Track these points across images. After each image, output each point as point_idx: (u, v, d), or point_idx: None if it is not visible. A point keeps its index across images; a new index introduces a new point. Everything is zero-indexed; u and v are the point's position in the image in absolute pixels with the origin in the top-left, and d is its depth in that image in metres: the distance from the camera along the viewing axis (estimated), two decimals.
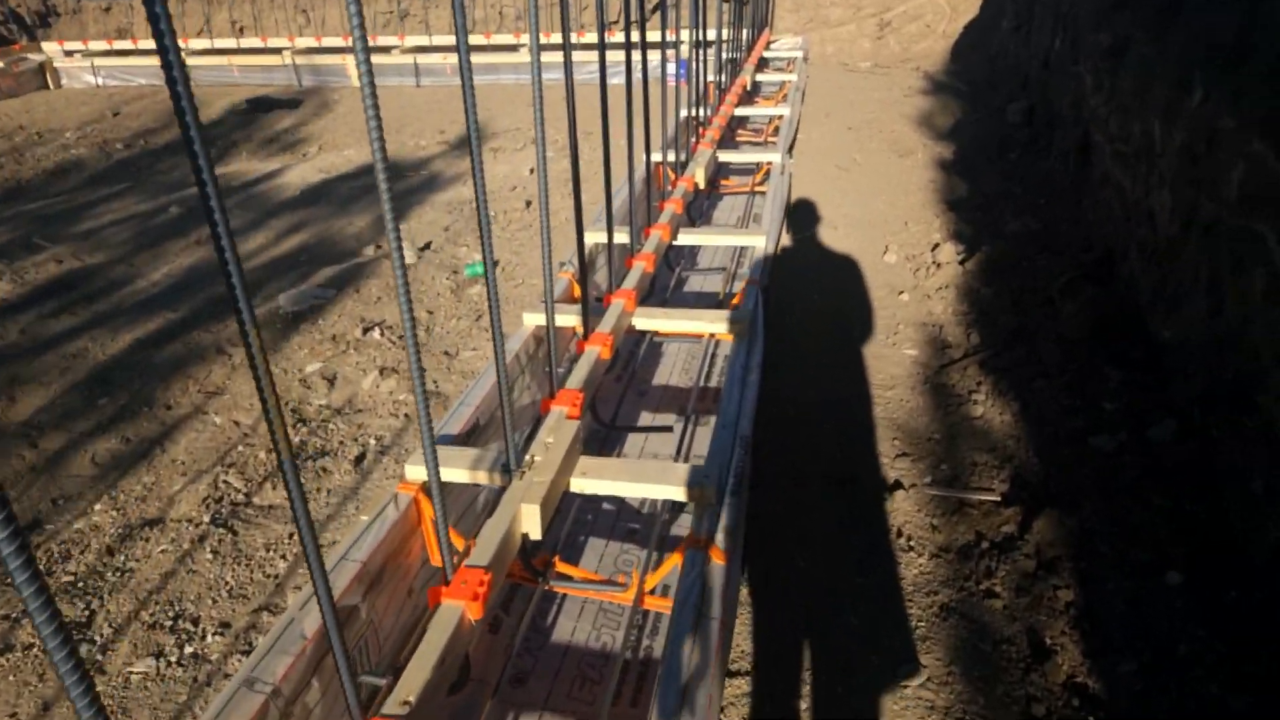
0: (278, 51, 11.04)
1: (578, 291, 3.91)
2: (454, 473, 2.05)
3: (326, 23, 12.25)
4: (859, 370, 3.86)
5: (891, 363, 3.90)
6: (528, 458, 2.00)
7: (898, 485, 3.06)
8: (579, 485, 2.10)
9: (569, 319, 3.28)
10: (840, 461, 3.29)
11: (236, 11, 12.48)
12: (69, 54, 11.68)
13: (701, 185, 4.71)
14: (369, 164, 8.29)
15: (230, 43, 11.55)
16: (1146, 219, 4.02)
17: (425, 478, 1.95)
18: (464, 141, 8.85)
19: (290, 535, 3.10)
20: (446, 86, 10.65)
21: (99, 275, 5.87)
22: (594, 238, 4.25)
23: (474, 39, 11.13)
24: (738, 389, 2.63)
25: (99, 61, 11.44)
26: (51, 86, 11.58)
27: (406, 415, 3.78)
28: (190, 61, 11.16)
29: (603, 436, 3.22)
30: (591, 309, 3.08)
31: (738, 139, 7.36)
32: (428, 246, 5.87)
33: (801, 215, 5.79)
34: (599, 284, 4.35)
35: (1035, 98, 7.48)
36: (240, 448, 3.69)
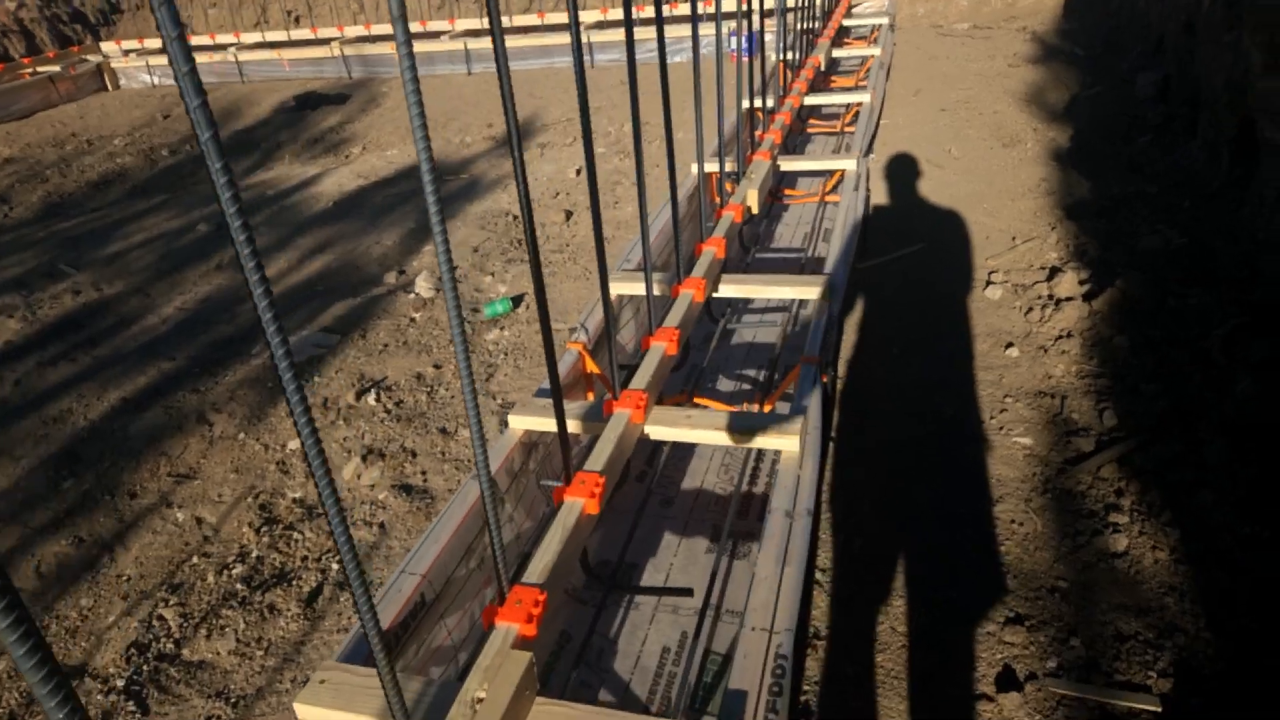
0: (326, 43, 10.50)
1: (590, 366, 3.13)
2: None
3: (380, 8, 11.64)
4: (954, 472, 2.95)
5: (999, 457, 2.97)
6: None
7: (1009, 677, 2.18)
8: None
9: (569, 423, 2.51)
10: (928, 640, 2.41)
11: (291, 1, 11.99)
12: (126, 54, 11.44)
13: (754, 210, 3.83)
14: (410, 166, 7.65)
15: (281, 35, 11.07)
16: None
17: None
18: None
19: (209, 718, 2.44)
20: None
21: (112, 309, 5.41)
22: (622, 287, 3.46)
23: (528, 19, 10.33)
24: (769, 592, 1.81)
25: (154, 60, 11.15)
26: (110, 88, 11.38)
27: (383, 525, 3.08)
28: (241, 57, 10.74)
29: (599, 599, 2.45)
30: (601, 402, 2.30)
31: (809, 129, 6.37)
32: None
33: (882, 228, 4.82)
34: (625, 346, 3.55)
35: (1172, 68, 6.19)
36: (195, 560, 3.07)
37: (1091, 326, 3.63)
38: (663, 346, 2.70)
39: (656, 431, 2.50)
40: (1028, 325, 3.71)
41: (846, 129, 6.04)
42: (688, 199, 4.27)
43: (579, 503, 2.06)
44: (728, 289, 3.28)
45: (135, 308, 5.43)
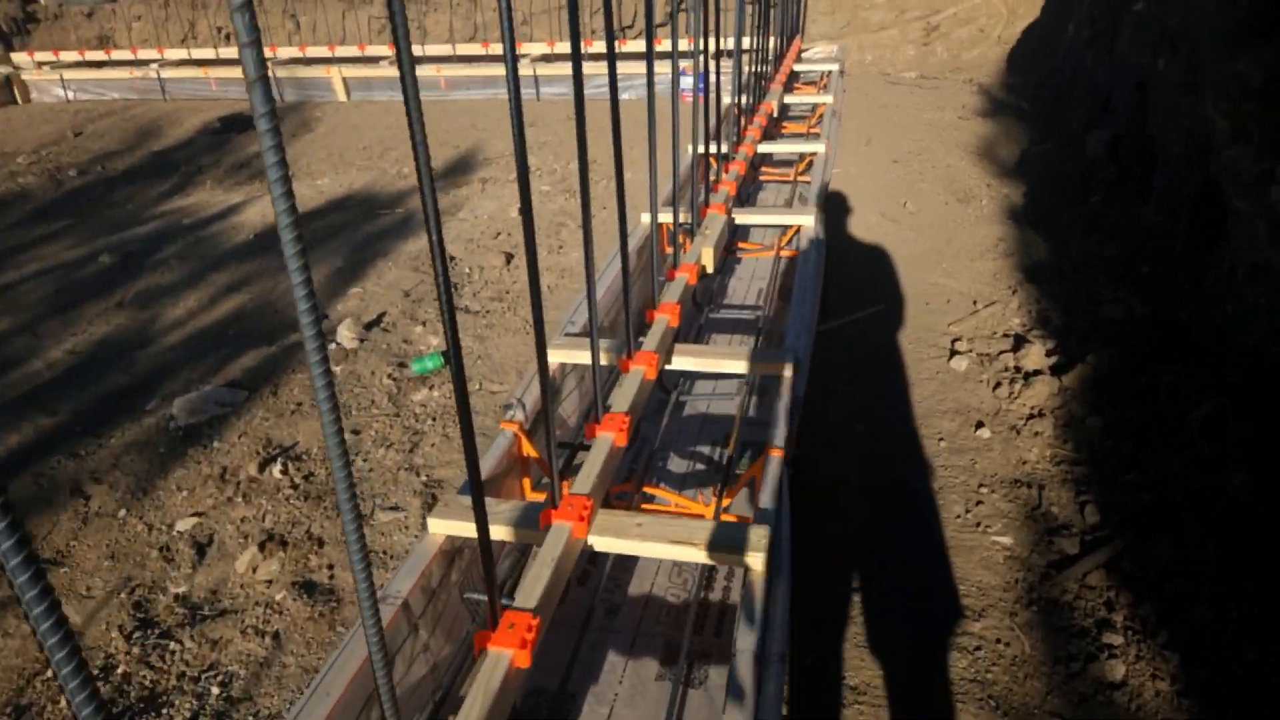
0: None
1: (528, 449, 2.77)
2: None
3: (319, 29, 11.16)
4: (932, 580, 2.65)
5: (977, 561, 2.68)
6: None
7: None
8: None
9: (498, 529, 2.17)
10: None
11: (222, 17, 11.42)
12: (40, 65, 10.70)
13: (710, 269, 3.52)
14: (341, 198, 7.20)
15: (209, 53, 10.49)
16: None
17: None
18: (451, 169, 7.71)
19: None
20: (441, 101, 9.51)
21: None
22: (564, 355, 3.10)
23: (471, 48, 9.98)
24: None
25: (69, 74, 10.45)
26: (20, 101, 10.61)
27: (277, 635, 2.63)
28: (165, 74, 10.13)
29: None
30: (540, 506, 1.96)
31: (761, 176, 6.14)
32: (377, 322, 4.73)
33: (839, 284, 4.56)
34: (568, 419, 3.19)
35: (1122, 127, 6.15)
36: (37, 685, 2.58)
37: (1063, 404, 3.40)
38: (610, 439, 2.35)
39: (602, 544, 2.14)
40: (997, 402, 3.47)
41: (800, 178, 5.83)
42: (638, 251, 3.96)
43: (505, 655, 1.69)
44: (682, 361, 2.95)
45: (21, 349, 4.85)
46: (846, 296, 4.49)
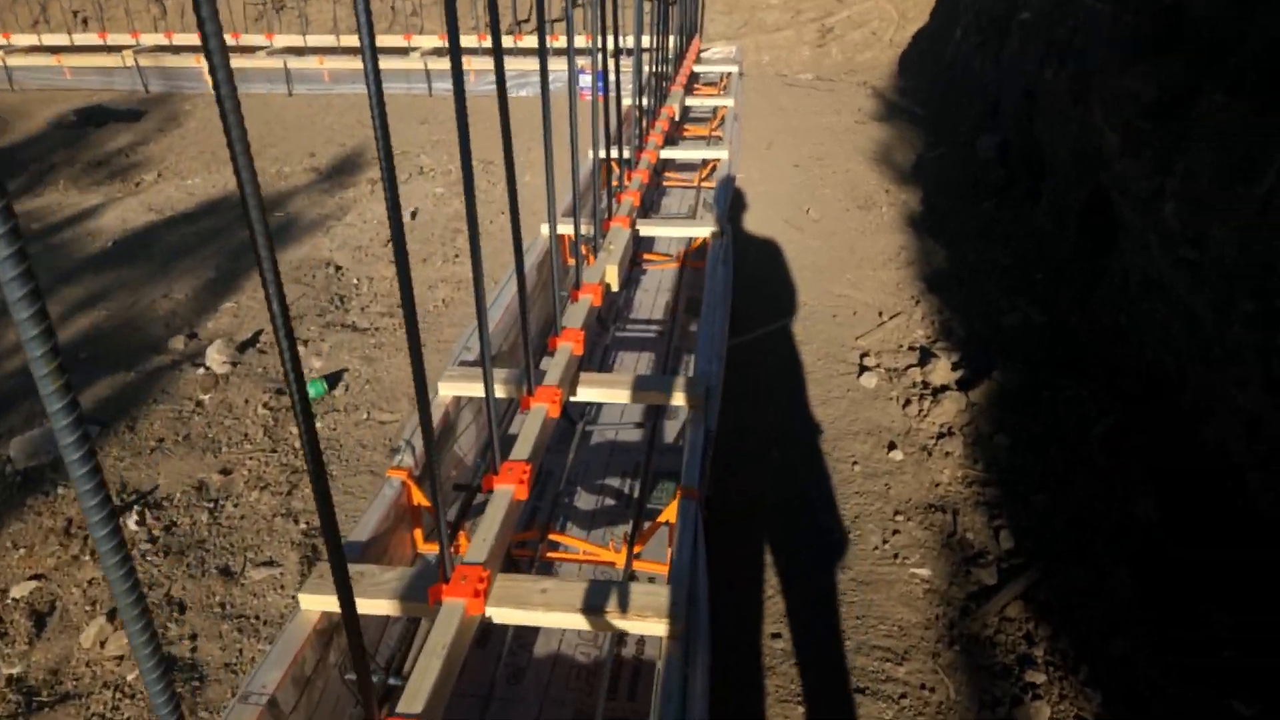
0: (117, 50, 9.15)
1: (418, 498, 2.52)
2: None
3: (187, 14, 10.35)
4: (851, 619, 2.53)
5: (896, 596, 2.58)
6: None
7: None
8: None
9: (381, 604, 1.94)
10: None
11: (78, 1, 10.46)
12: None
13: (614, 287, 3.33)
14: (215, 200, 6.64)
15: (63, 39, 9.58)
16: (1235, 359, 2.81)
17: None
18: (337, 169, 7.24)
19: None
20: (324, 96, 8.96)
21: None
22: (457, 387, 2.86)
23: (354, 40, 9.45)
24: None
25: None
26: None
27: None
28: (11, 61, 9.18)
29: None
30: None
31: (664, 182, 5.99)
32: (252, 343, 4.33)
33: (746, 297, 4.44)
34: (465, 456, 2.93)
35: (1011, 133, 6.28)
36: None
37: (970, 422, 3.37)
38: (510, 491, 2.12)
39: (502, 615, 1.92)
40: (907, 420, 3.41)
41: (705, 183, 5.70)
42: (537, 266, 3.72)
43: None
44: (588, 393, 2.75)
45: None
46: (753, 308, 4.37)
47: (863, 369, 3.76)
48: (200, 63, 8.79)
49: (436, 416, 2.67)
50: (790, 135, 7.22)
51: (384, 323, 4.45)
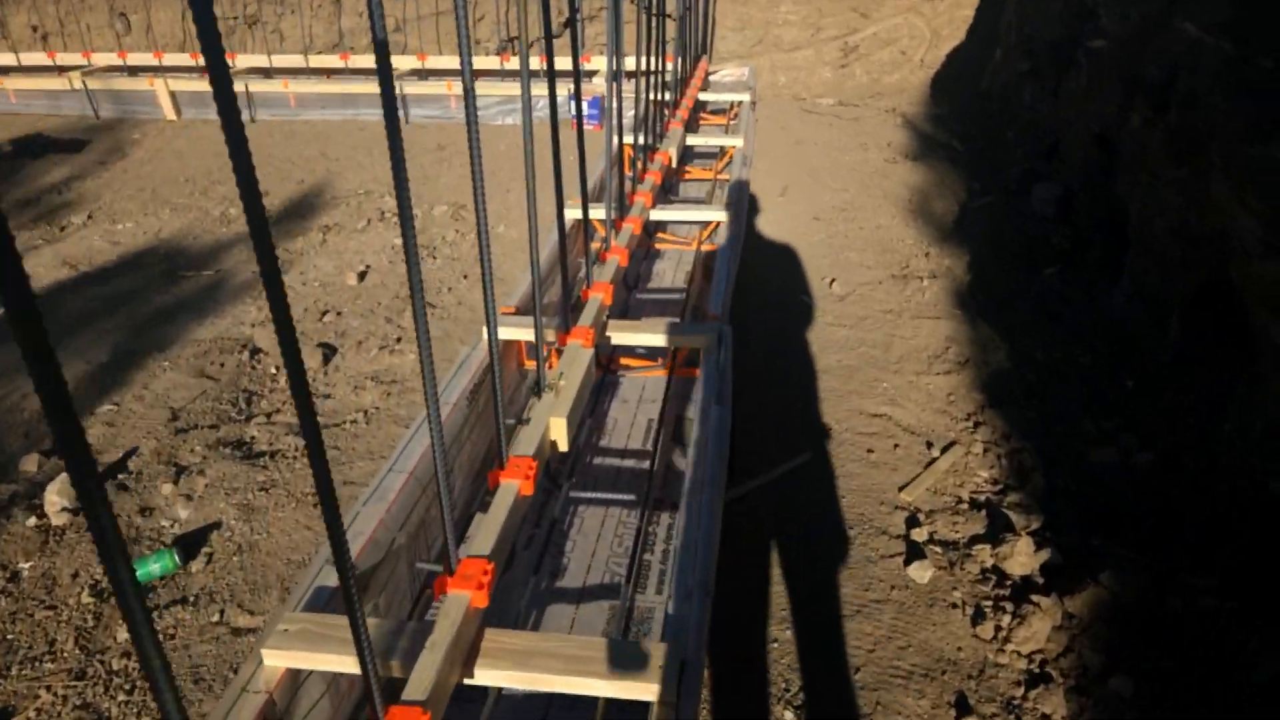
0: (62, 71, 8.22)
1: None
2: None
3: (154, 31, 9.42)
4: None
5: None
6: None
7: None
8: None
9: None
10: None
11: (37, 14, 9.55)
12: None
13: (562, 446, 2.31)
14: (140, 251, 5.67)
15: (9, 58, 8.67)
16: None
17: None
18: (290, 211, 6.26)
19: None
20: (289, 122, 7.98)
21: None
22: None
23: (328, 60, 8.48)
24: None
25: None
26: None
27: None
28: None
29: None
30: None
31: (656, 244, 4.95)
32: (116, 470, 3.32)
33: (752, 423, 3.39)
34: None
35: (1075, 182, 5.20)
36: None
37: (1071, 651, 2.31)
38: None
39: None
40: (979, 648, 2.35)
41: (704, 245, 4.66)
42: (480, 369, 2.70)
43: None
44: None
45: None
46: (759, 433, 3.32)
47: (911, 547, 2.70)
48: (153, 85, 7.85)
49: None
50: (809, 178, 6.16)
51: (285, 444, 3.43)
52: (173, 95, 7.83)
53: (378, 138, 7.62)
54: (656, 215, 4.02)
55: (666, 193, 5.60)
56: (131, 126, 7.97)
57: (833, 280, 4.54)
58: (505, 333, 2.78)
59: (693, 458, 2.22)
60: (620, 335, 2.92)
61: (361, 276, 5.11)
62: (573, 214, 3.84)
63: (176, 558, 2.72)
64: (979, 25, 8.68)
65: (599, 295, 2.85)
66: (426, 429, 2.12)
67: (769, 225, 5.36)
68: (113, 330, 4.55)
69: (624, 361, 3.53)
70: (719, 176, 5.73)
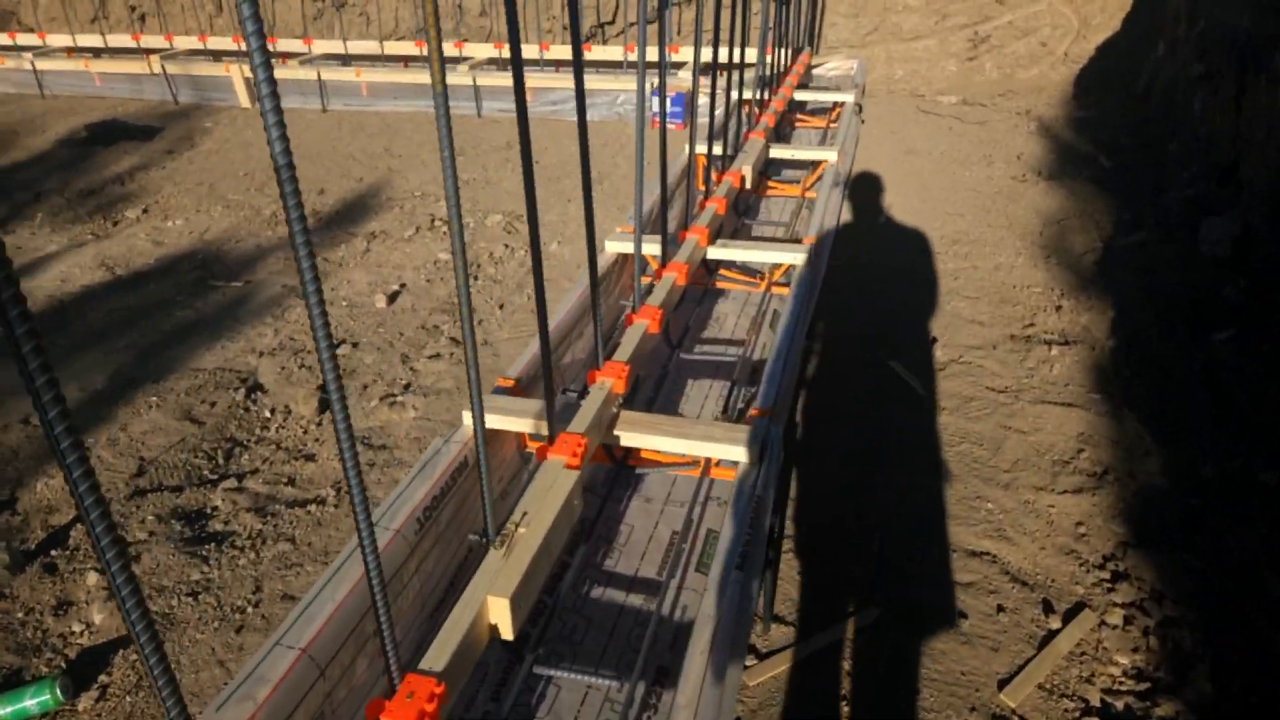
0: (143, 55, 8.04)
1: None
2: None
3: (233, 13, 9.18)
4: None
5: None
6: None
7: None
8: None
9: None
10: None
11: None
12: None
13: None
14: (180, 255, 5.30)
15: (95, 39, 8.59)
16: None
17: None
18: (342, 213, 5.78)
19: None
20: (359, 113, 7.54)
21: None
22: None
23: (404, 47, 7.99)
24: None
25: None
26: None
27: None
28: (41, 65, 8.24)
29: None
30: None
31: (718, 282, 4.16)
32: (53, 544, 2.84)
33: (806, 555, 2.60)
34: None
35: (1258, 216, 4.09)
36: None
37: None
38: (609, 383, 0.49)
39: None
40: None
41: (776, 287, 3.84)
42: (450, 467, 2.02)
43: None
44: None
45: None
46: (817, 579, 2.52)
47: None
48: (228, 71, 7.56)
49: None
50: (919, 197, 5.19)
51: (242, 524, 2.86)
52: (247, 81, 7.51)
53: (458, 130, 7.08)
54: (714, 254, 3.26)
55: (742, 215, 4.79)
56: (206, 114, 7.72)
57: (934, 339, 3.64)
58: (492, 420, 2.09)
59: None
60: (632, 437, 2.17)
61: (393, 298, 4.54)
62: (617, 247, 3.14)
63: (59, 691, 2.18)
64: (1138, 13, 7.37)
65: (609, 380, 2.10)
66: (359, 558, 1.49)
67: (863, 254, 4.47)
68: (121, 350, 4.14)
69: (645, 455, 2.79)
70: (807, 194, 4.87)
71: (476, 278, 4.77)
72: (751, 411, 2.35)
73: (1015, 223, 4.71)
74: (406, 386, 3.65)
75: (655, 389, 3.07)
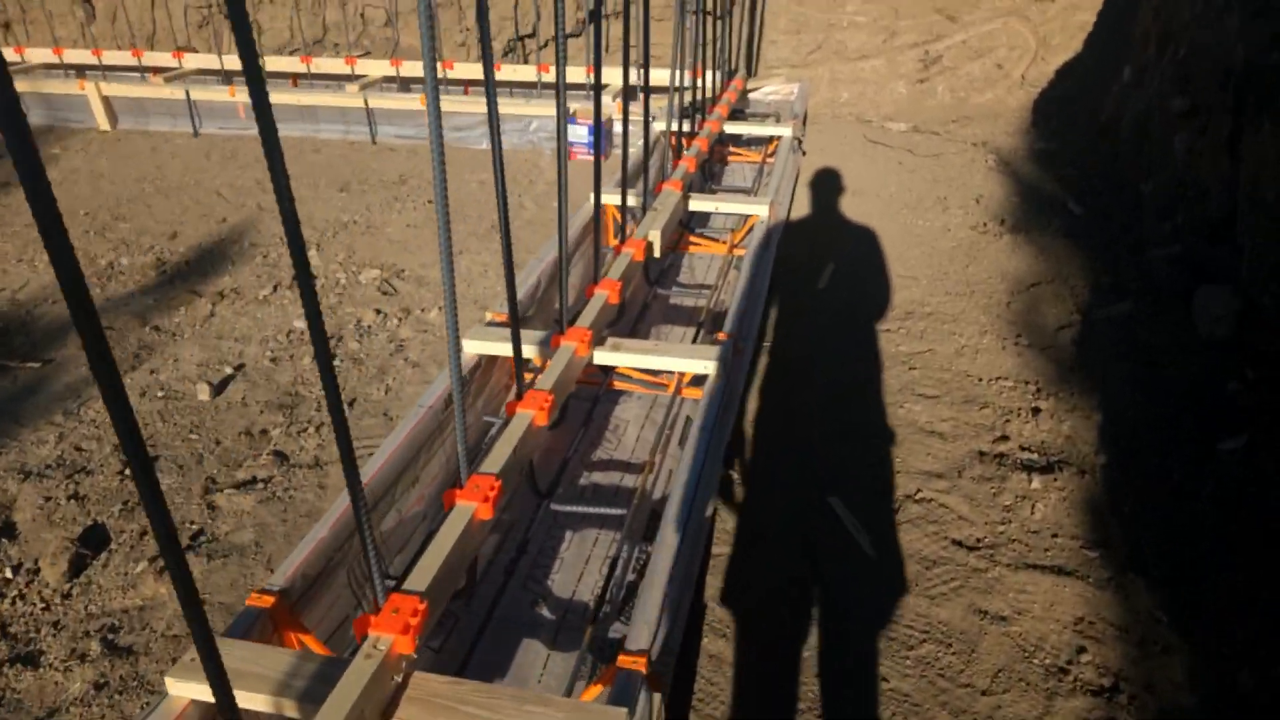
0: None
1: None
2: None
3: (120, 20, 8.11)
4: None
5: None
6: None
7: None
8: None
9: None
10: None
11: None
12: None
13: None
14: None
15: None
16: None
17: None
18: (192, 264, 4.81)
19: None
20: (235, 138, 6.54)
21: None
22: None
23: (289, 62, 7.00)
24: None
25: None
26: None
27: None
28: None
29: None
30: None
31: (616, 382, 3.31)
32: None
33: None
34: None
35: (1262, 286, 3.37)
36: None
37: None
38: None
39: None
40: None
41: (688, 390, 3.01)
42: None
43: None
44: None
45: None
46: None
47: None
48: (83, 89, 6.50)
49: None
50: (864, 258, 4.41)
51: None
52: (106, 101, 6.47)
53: (334, 161, 6.13)
54: (602, 358, 2.42)
55: (655, 284, 3.96)
56: (57, 138, 6.65)
57: (892, 473, 2.83)
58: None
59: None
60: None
61: (221, 387, 3.62)
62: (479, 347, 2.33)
63: None
64: (1100, 34, 6.72)
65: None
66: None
67: (796, 342, 3.66)
68: None
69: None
70: (735, 251, 4.08)
71: (335, 354, 3.86)
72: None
73: (978, 289, 3.95)
74: (196, 535, 2.73)
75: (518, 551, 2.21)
